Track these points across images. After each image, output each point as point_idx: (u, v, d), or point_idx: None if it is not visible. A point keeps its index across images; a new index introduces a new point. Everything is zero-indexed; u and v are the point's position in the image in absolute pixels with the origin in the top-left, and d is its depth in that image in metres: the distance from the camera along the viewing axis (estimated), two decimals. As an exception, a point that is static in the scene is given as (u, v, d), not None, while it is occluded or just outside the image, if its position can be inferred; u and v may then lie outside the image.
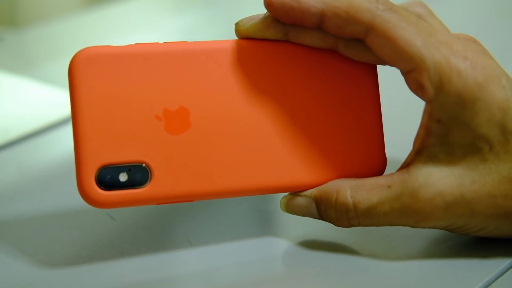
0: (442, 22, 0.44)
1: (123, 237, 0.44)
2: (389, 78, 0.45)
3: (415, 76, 0.39)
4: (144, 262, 0.42)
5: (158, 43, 0.41)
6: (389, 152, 0.43)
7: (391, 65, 0.40)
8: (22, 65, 0.78)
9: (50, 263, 0.42)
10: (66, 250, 0.43)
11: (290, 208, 0.42)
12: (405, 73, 0.40)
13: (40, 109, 0.62)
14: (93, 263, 0.42)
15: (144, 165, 0.40)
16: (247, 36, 0.41)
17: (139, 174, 0.40)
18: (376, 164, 0.42)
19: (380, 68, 0.42)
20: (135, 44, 0.40)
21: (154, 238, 0.44)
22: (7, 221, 0.47)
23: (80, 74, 0.39)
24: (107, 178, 0.39)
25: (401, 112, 0.54)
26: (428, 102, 0.39)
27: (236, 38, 0.42)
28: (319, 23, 0.40)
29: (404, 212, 0.39)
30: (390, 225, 0.40)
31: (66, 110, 0.61)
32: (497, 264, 0.40)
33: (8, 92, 0.66)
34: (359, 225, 0.41)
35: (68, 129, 0.59)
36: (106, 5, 0.90)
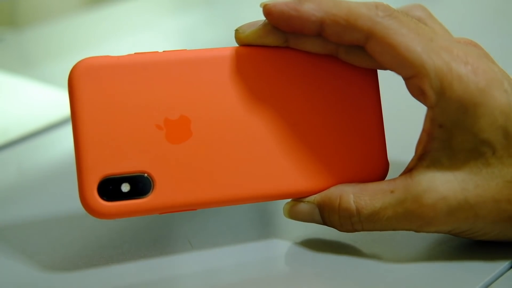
0: (442, 25, 0.44)
1: (123, 238, 0.44)
2: (390, 82, 0.45)
3: (416, 82, 0.39)
4: (144, 263, 0.42)
5: (158, 52, 0.41)
6: (392, 156, 0.43)
7: (392, 71, 0.40)
8: (22, 65, 0.78)
9: (50, 263, 0.42)
10: (66, 251, 0.43)
11: (293, 215, 0.42)
12: (406, 79, 0.40)
13: (40, 109, 0.62)
14: (93, 264, 0.42)
15: (146, 175, 0.40)
16: (247, 43, 0.41)
17: (141, 184, 0.40)
18: (378, 169, 0.42)
19: (381, 73, 0.42)
20: (135, 53, 0.40)
21: (154, 239, 0.44)
22: (7, 221, 0.47)
23: (80, 85, 0.39)
24: (109, 189, 0.39)
25: (403, 116, 0.54)
26: (430, 107, 0.39)
27: (236, 45, 0.42)
28: (319, 30, 0.40)
29: (407, 217, 0.39)
30: (393, 229, 0.40)
31: (66, 110, 0.61)
32: (496, 265, 0.40)
33: (8, 92, 0.66)
34: (362, 230, 0.41)
35: (68, 129, 0.59)
36: (106, 6, 0.90)
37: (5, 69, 0.70)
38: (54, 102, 0.63)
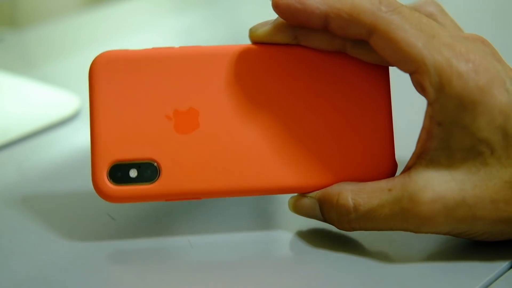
0: (454, 21, 0.44)
1: (123, 238, 0.44)
2: (397, 78, 0.45)
3: (417, 78, 0.39)
4: (144, 257, 0.42)
5: (174, 47, 0.42)
6: (398, 154, 0.43)
7: (395, 66, 0.40)
8: (22, 65, 0.78)
9: (49, 262, 0.42)
10: (66, 250, 0.43)
11: (297, 209, 0.43)
12: (410, 75, 0.40)
13: (40, 109, 0.62)
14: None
15: (153, 162, 0.41)
16: (259, 41, 0.42)
17: (148, 171, 0.41)
18: (385, 168, 0.42)
19: (390, 70, 0.42)
20: (152, 48, 0.42)
21: (154, 238, 0.44)
22: (6, 220, 0.47)
23: (99, 76, 0.41)
24: (118, 174, 0.41)
25: (410, 113, 0.54)
26: (429, 104, 0.39)
27: (246, 43, 0.42)
28: (324, 24, 0.40)
29: (404, 216, 0.39)
30: (391, 229, 0.40)
31: (66, 110, 0.61)
32: (496, 265, 0.40)
33: (8, 92, 0.66)
34: (360, 228, 0.41)
35: (68, 129, 0.59)
36: (106, 5, 0.90)
37: (5, 69, 0.70)
38: (54, 102, 0.63)
